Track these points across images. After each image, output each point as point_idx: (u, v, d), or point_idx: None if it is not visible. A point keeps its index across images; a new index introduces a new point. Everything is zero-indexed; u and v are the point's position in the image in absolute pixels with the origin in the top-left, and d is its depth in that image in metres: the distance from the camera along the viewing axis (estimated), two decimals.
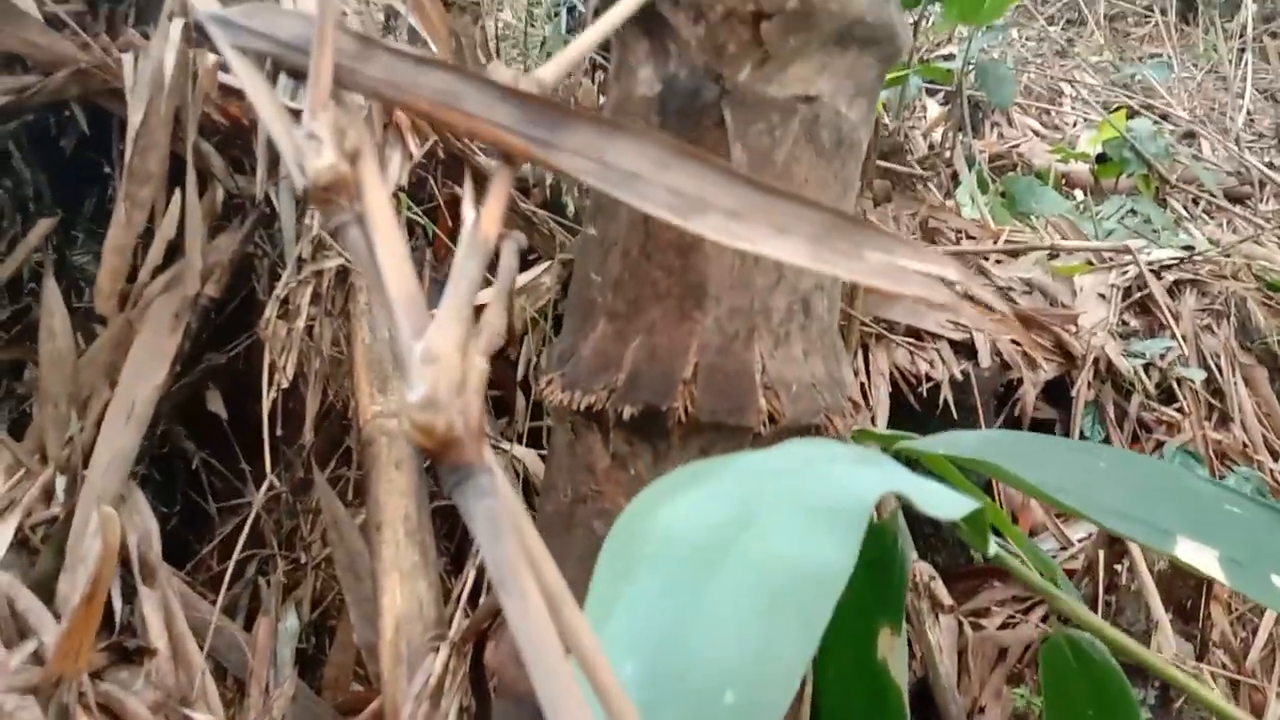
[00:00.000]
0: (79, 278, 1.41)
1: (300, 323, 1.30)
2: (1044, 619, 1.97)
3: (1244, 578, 0.66)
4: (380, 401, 1.24)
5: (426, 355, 0.36)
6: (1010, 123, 4.97)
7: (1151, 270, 2.54)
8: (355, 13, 1.66)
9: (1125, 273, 2.51)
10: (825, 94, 1.00)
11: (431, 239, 1.91)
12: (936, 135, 4.29)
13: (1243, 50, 5.02)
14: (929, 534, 2.11)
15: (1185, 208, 4.26)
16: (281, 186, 1.36)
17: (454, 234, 2.08)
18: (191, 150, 1.32)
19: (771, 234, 0.49)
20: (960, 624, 1.89)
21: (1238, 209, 4.52)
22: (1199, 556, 0.68)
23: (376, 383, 1.26)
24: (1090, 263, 2.58)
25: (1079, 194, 4.22)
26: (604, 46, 0.95)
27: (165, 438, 1.44)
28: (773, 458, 0.60)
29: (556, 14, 3.39)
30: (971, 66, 3.74)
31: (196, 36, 1.36)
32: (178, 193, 1.35)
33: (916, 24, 3.48)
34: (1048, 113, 5.02)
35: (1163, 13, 5.77)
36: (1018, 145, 4.70)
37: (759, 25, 0.95)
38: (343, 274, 1.38)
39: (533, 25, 3.06)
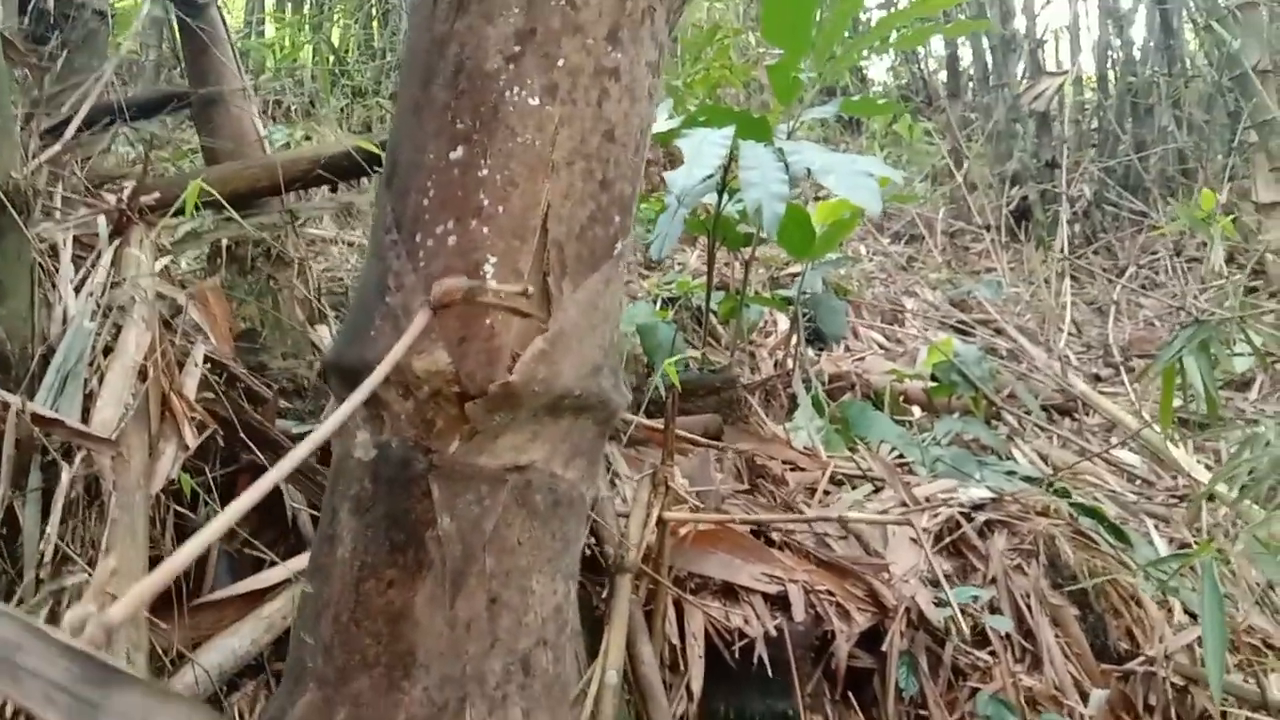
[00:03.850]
0: None
1: None
2: None
3: None
4: None
5: None
6: (856, 335, 5.23)
7: (963, 512, 2.63)
8: (143, 302, 1.66)
9: (937, 516, 2.60)
10: (539, 460, 1.03)
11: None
12: (782, 353, 4.48)
13: (1061, 273, 5.43)
14: None
15: (1019, 421, 4.48)
16: None
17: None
18: None
19: None
20: None
21: (1066, 422, 4.80)
22: None
23: None
24: (905, 504, 2.66)
25: (916, 410, 4.41)
26: None
27: None
28: None
29: None
30: (807, 296, 3.95)
31: None
32: None
33: (750, 258, 3.68)
34: (891, 327, 5.31)
35: (989, 229, 6.24)
36: (862, 358, 4.93)
37: (464, 404, 0.98)
38: None
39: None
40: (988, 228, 6.29)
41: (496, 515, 1.01)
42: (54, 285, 1.59)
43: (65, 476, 1.34)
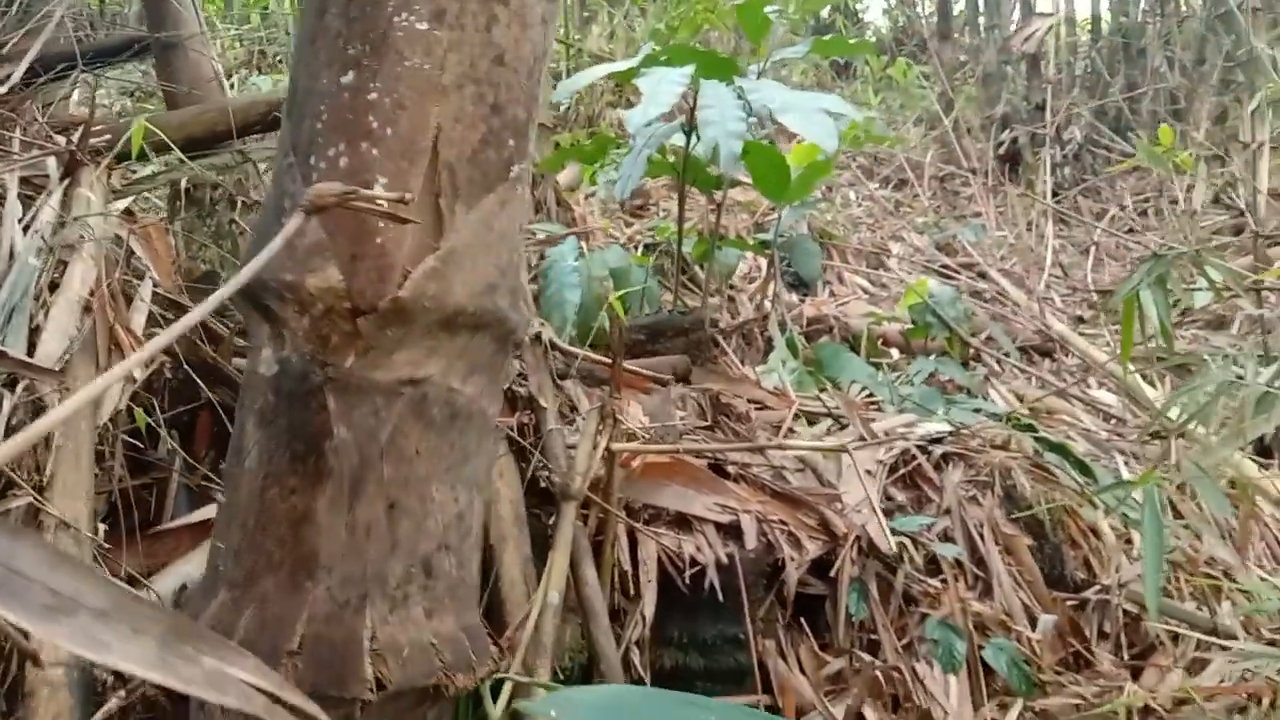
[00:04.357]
0: None
1: None
2: None
3: None
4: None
5: None
6: (841, 280, 5.25)
7: (919, 446, 2.68)
8: (91, 240, 1.71)
9: (891, 449, 2.65)
10: (436, 374, 1.08)
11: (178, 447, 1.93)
12: (762, 297, 4.51)
13: (1044, 214, 5.42)
14: None
15: (998, 362, 4.52)
16: None
17: (209, 437, 2.10)
18: None
19: (129, 634, 0.56)
20: None
21: (1045, 364, 4.83)
22: None
23: None
24: (863, 439, 2.72)
25: (895, 353, 4.45)
26: None
27: None
28: None
29: None
30: (784, 239, 3.98)
31: None
32: None
33: (721, 200, 3.70)
34: (876, 271, 5.33)
35: (976, 173, 6.22)
36: (845, 302, 4.96)
37: (357, 319, 1.03)
38: None
39: None
40: (973, 171, 6.27)
41: (392, 426, 1.06)
42: (0, 224, 1.64)
43: (6, 404, 1.39)
